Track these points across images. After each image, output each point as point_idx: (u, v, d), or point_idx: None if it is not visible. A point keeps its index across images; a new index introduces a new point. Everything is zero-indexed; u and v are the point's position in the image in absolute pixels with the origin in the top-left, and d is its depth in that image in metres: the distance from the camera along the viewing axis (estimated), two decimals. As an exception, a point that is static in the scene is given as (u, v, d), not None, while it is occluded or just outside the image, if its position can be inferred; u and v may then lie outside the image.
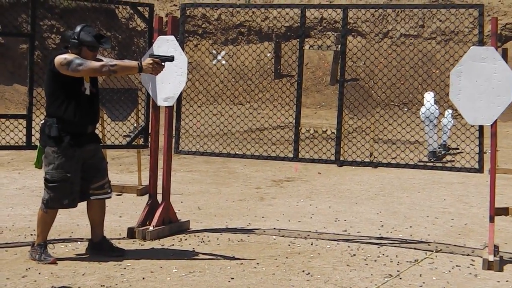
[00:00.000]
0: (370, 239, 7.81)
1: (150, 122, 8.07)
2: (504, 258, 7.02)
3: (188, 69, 7.98)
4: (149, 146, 8.06)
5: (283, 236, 7.84)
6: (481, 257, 6.87)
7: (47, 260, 6.55)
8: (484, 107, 6.83)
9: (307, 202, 9.92)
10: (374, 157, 11.96)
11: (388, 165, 7.91)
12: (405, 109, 9.04)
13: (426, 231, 8.27)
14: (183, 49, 7.96)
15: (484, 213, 8.93)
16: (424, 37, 24.34)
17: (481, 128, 7.15)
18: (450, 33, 23.69)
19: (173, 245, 7.37)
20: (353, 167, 12.68)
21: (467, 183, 11.49)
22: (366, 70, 15.66)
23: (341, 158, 8.29)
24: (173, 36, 7.85)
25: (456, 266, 6.78)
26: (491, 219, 6.91)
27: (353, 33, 24.25)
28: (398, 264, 6.79)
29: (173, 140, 8.19)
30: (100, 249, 6.93)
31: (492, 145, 6.95)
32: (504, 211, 9.30)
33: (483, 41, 7.13)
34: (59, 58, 6.54)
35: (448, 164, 12.83)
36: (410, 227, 8.45)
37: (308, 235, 7.93)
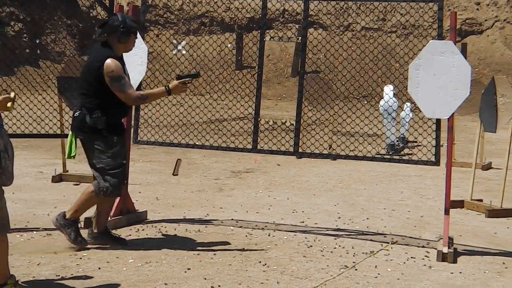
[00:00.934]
0: (327, 230, 7.85)
1: (108, 112, 7.99)
2: (458, 250, 7.10)
3: (148, 59, 7.94)
4: (108, 135, 8.00)
5: (240, 227, 7.84)
6: (436, 249, 6.94)
7: (80, 243, 6.77)
8: (442, 100, 6.87)
9: (265, 193, 9.93)
10: (333, 149, 12.01)
11: (346, 157, 7.95)
12: (365, 102, 9.09)
13: (383, 223, 8.33)
14: (143, 39, 7.91)
15: (440, 206, 8.99)
16: (384, 31, 24.48)
17: (438, 121, 7.21)
18: (410, 27, 23.86)
19: (130, 235, 7.34)
20: (312, 159, 12.72)
21: (424, 176, 11.58)
22: (326, 62, 15.70)
23: (300, 150, 8.30)
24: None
25: (411, 257, 6.85)
26: (446, 212, 6.98)
27: (314, 26, 24.30)
28: (354, 256, 6.84)
29: (132, 130, 8.15)
30: (103, 239, 7.01)
31: (449, 138, 7.00)
32: (459, 204, 9.39)
33: (442, 35, 7.19)
34: (109, 66, 6.60)
35: (406, 157, 12.93)
36: (367, 219, 8.51)
37: (266, 226, 7.95)
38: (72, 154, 6.93)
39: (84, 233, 6.96)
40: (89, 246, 6.81)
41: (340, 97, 9.60)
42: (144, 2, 8.38)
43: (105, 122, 6.66)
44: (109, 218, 7.23)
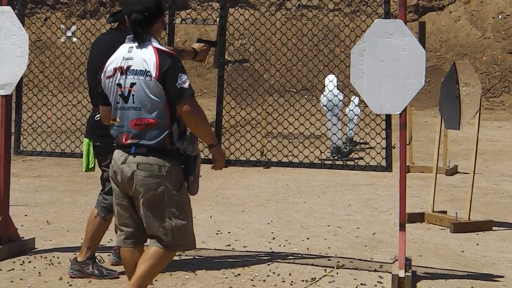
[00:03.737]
0: (258, 254, 7.89)
1: (-19, 116, 7.92)
2: (417, 273, 7.21)
3: (31, 49, 7.88)
4: (-18, 146, 7.93)
5: (152, 254, 7.82)
6: (391, 272, 7.02)
7: (111, 275, 7.01)
8: (392, 92, 6.91)
9: (183, 212, 9.92)
10: (264, 155, 12.06)
11: (279, 164, 7.98)
12: (300, 97, 9.15)
13: (326, 243, 8.41)
14: (23, 24, 7.85)
15: (396, 220, 9.11)
16: (325, 9, 24.66)
17: (388, 118, 7.29)
18: (356, 4, 24.09)
19: (13, 269, 7.26)
20: (241, 168, 12.78)
21: (377, 184, 11.73)
22: (252, 49, 15.78)
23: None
24: (9, 7, 7.73)
25: (361, 284, 6.93)
26: (402, 227, 7.06)
27: (239, 4, 24.35)
28: (291, 284, 6.89)
29: (13, 137, 8.07)
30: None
31: (402, 138, 7.02)
32: (419, 217, 9.52)
33: (390, 12, 7.27)
34: None
35: (352, 162, 13.03)
36: (308, 239, 8.58)
37: (183, 251, 7.95)
38: (91, 166, 7.10)
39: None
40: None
41: (269, 91, 9.65)
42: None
43: None
44: None
